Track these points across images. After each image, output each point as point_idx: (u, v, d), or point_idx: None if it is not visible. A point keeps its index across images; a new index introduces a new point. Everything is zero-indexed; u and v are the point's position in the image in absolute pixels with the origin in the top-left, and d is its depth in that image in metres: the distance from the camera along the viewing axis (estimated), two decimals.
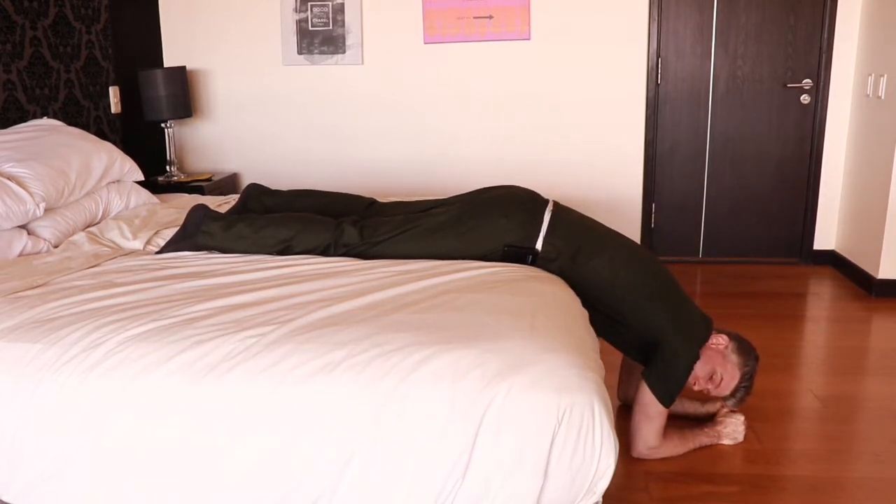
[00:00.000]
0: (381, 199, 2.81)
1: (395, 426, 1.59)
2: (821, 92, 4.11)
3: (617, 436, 1.61)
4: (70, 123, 3.53)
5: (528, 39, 4.17)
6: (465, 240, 2.29)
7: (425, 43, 4.23)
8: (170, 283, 2.10)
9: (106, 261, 2.40)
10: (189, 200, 3.31)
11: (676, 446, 2.31)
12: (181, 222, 2.61)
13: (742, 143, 4.24)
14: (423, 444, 1.58)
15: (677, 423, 2.41)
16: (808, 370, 2.94)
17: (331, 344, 1.68)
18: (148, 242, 2.63)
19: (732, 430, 2.39)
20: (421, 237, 2.32)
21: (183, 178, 4.14)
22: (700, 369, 2.25)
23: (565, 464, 1.56)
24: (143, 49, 4.26)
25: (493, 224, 2.29)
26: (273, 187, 3.19)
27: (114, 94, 3.92)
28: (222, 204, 3.09)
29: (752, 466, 2.27)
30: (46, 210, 2.69)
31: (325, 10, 4.24)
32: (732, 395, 2.32)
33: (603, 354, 1.97)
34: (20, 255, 2.53)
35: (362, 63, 4.30)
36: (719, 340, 2.28)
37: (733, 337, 2.32)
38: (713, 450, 2.36)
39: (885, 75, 3.70)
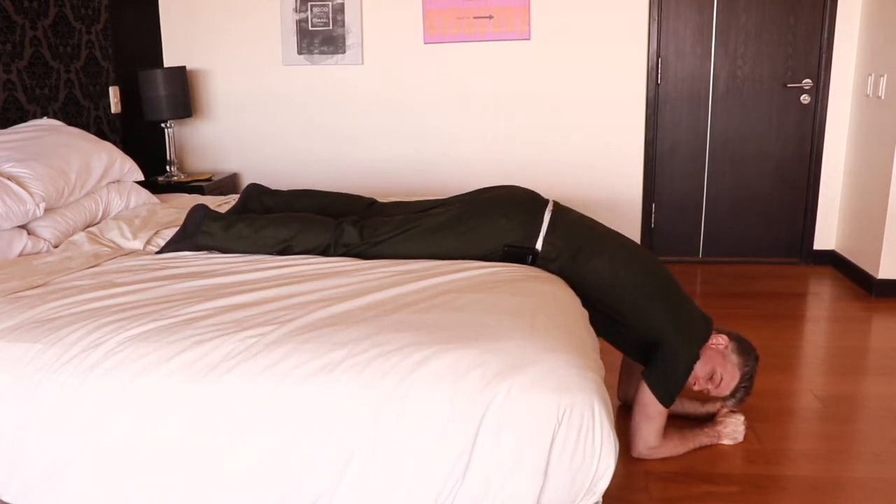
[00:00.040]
0: (381, 199, 2.81)
1: (395, 426, 1.59)
2: (821, 92, 4.11)
3: (617, 436, 1.61)
4: (70, 123, 3.53)
5: (528, 39, 4.17)
6: (465, 240, 2.29)
7: (425, 43, 4.23)
8: (170, 283, 2.10)
9: (106, 261, 2.40)
10: (189, 200, 3.31)
11: (676, 446, 2.31)
12: (181, 222, 2.61)
13: (742, 143, 4.24)
14: (423, 444, 1.58)
15: (677, 423, 2.41)
16: (808, 370, 2.94)
17: (331, 344, 1.68)
18: (148, 242, 2.63)
19: (732, 430, 2.39)
20: (421, 237, 2.32)
21: (183, 178, 4.14)
22: (700, 369, 2.25)
23: (565, 464, 1.56)
24: (143, 49, 4.26)
25: (493, 224, 2.29)
26: (273, 187, 3.19)
27: (114, 94, 3.92)
28: (222, 204, 3.09)
29: (752, 466, 2.27)
30: (46, 210, 2.69)
31: (325, 10, 4.24)
32: (732, 395, 2.32)
33: (603, 354, 1.97)
34: (20, 255, 2.53)
35: (362, 63, 4.30)
36: (719, 340, 2.28)
37: (733, 337, 2.32)
38: (713, 450, 2.36)
39: (885, 75, 3.70)
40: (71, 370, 1.70)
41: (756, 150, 4.24)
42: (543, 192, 4.11)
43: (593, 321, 2.17)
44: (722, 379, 2.26)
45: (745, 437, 2.40)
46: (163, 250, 2.48)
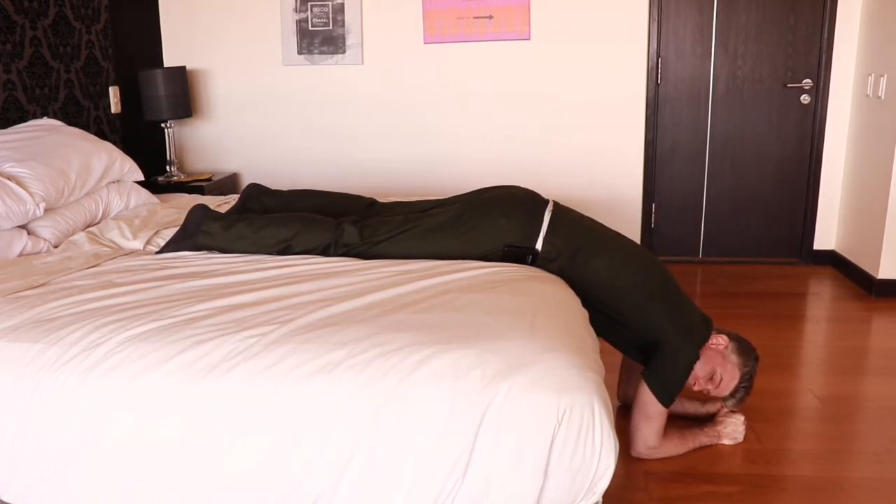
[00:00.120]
0: (381, 199, 2.81)
1: (395, 426, 1.59)
2: (821, 92, 4.11)
3: (617, 436, 1.61)
4: (70, 123, 3.53)
5: (528, 39, 4.17)
6: (465, 240, 2.29)
7: (425, 43, 4.23)
8: (170, 283, 2.10)
9: (106, 261, 2.40)
10: (189, 200, 3.31)
11: (676, 446, 2.31)
12: (181, 222, 2.61)
13: (742, 143, 4.24)
14: (423, 444, 1.58)
15: (677, 423, 2.41)
16: (808, 370, 2.94)
17: (331, 344, 1.68)
18: (148, 242, 2.63)
19: (732, 430, 2.39)
20: (421, 237, 2.32)
21: (183, 178, 4.14)
22: (700, 369, 2.25)
23: (565, 464, 1.56)
24: (143, 49, 4.26)
25: (493, 224, 2.29)
26: (273, 187, 3.19)
27: (114, 94, 3.92)
28: (222, 204, 3.09)
29: (752, 466, 2.27)
30: (46, 210, 2.69)
31: (325, 10, 4.24)
32: (732, 395, 2.32)
33: (603, 354, 1.97)
34: (20, 255, 2.53)
35: (362, 63, 4.30)
36: (719, 340, 2.28)
37: (733, 337, 2.32)
38: (713, 450, 2.36)
39: (885, 75, 3.70)
40: (71, 370, 1.70)
41: (756, 150, 4.24)
42: (543, 192, 4.11)
43: (593, 321, 2.17)
44: (722, 379, 2.26)
45: (745, 437, 2.40)
46: (163, 250, 2.48)
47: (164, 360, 1.69)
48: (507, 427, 1.56)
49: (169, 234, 2.66)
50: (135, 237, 2.67)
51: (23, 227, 2.64)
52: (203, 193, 3.96)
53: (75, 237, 2.70)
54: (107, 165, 3.05)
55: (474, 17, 4.16)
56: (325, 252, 2.37)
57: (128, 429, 1.66)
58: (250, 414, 1.62)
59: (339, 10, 4.23)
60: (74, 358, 1.72)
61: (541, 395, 1.56)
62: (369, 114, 4.37)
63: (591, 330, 2.05)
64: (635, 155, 4.28)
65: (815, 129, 4.17)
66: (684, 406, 2.54)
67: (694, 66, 4.17)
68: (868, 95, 3.88)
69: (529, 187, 2.74)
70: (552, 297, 2.00)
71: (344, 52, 4.27)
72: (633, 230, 4.35)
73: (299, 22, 4.28)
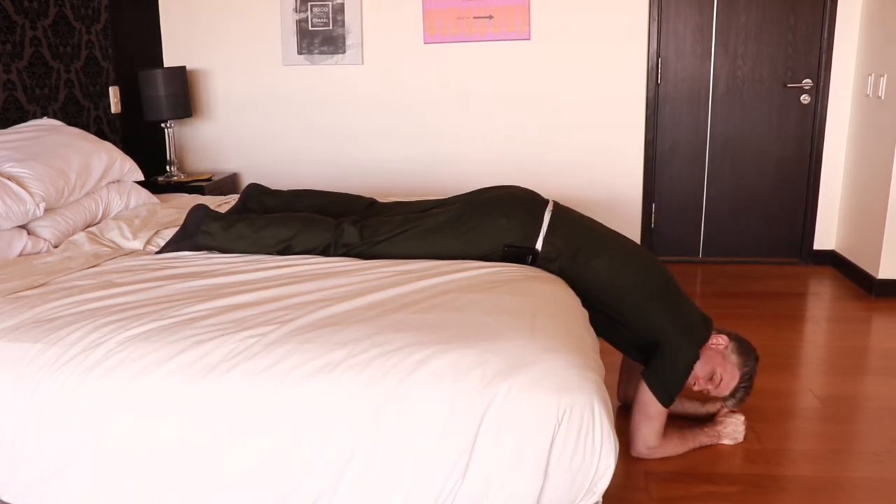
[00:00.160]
0: (381, 199, 2.81)
1: (395, 426, 1.59)
2: (821, 92, 4.11)
3: (617, 436, 1.61)
4: (70, 123, 3.54)
5: (528, 39, 4.17)
6: (465, 240, 2.29)
7: (425, 43, 4.23)
8: (170, 283, 2.10)
9: (106, 261, 2.40)
10: (189, 200, 3.31)
11: (676, 446, 2.31)
12: (181, 222, 2.61)
13: (742, 143, 4.24)
14: (423, 444, 1.58)
15: (677, 423, 2.41)
16: (808, 370, 2.94)
17: (331, 344, 1.68)
18: (148, 242, 2.64)
19: (732, 430, 2.39)
20: (421, 237, 2.32)
21: (183, 178, 4.14)
22: (700, 369, 2.25)
23: (565, 464, 1.56)
24: (143, 49, 4.26)
25: (493, 224, 2.29)
26: (273, 187, 3.19)
27: (114, 94, 3.92)
28: (222, 204, 3.09)
29: (752, 466, 2.27)
30: (46, 210, 2.69)
31: (325, 10, 4.24)
32: (732, 395, 2.32)
33: (603, 354, 1.97)
34: (20, 255, 2.53)
35: (362, 63, 4.30)
36: (719, 340, 2.28)
37: (733, 337, 2.32)
38: (713, 450, 2.36)
39: (885, 75, 3.70)
40: (71, 370, 1.70)
41: (756, 150, 4.24)
42: (543, 192, 4.11)
43: (593, 321, 2.17)
44: (722, 379, 2.26)
45: (745, 437, 2.40)
46: (163, 250, 2.48)
47: (164, 360, 1.69)
48: (507, 427, 1.56)
49: (169, 234, 2.66)
50: (135, 237, 2.67)
51: (23, 227, 2.64)
52: (203, 193, 3.96)
53: (75, 237, 2.70)
54: (107, 165, 3.05)
55: (474, 17, 4.16)
56: (325, 252, 2.37)
57: (128, 429, 1.66)
58: (250, 414, 1.62)
59: (339, 10, 4.23)
60: (74, 358, 1.72)
61: (541, 395, 1.56)
62: (369, 114, 4.37)
63: (591, 330, 2.05)
64: (635, 155, 4.28)
65: (815, 129, 4.17)
66: (684, 406, 2.54)
67: (694, 66, 4.17)
68: (868, 95, 3.88)
69: (529, 187, 2.74)
70: (552, 297, 2.00)
71: (344, 52, 4.28)
72: (633, 230, 4.35)
73: (299, 22, 4.28)
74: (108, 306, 1.93)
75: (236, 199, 2.94)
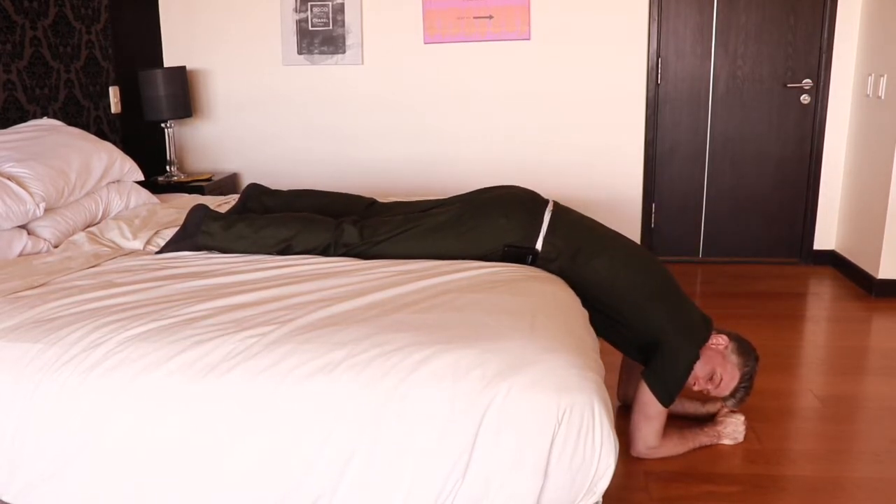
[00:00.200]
0: (381, 199, 2.81)
1: (395, 426, 1.59)
2: (821, 92, 4.11)
3: (617, 436, 1.61)
4: (70, 123, 3.54)
5: (528, 39, 4.17)
6: (465, 240, 2.29)
7: (425, 43, 4.23)
8: (170, 283, 2.10)
9: (106, 261, 2.40)
10: (189, 200, 3.31)
11: (676, 446, 2.31)
12: (181, 222, 2.61)
13: (742, 143, 4.24)
14: (423, 444, 1.58)
15: (677, 423, 2.41)
16: (808, 370, 2.94)
17: (331, 344, 1.68)
18: (148, 242, 2.64)
19: (732, 430, 2.39)
20: (421, 237, 2.32)
21: (183, 178, 4.14)
22: (700, 369, 2.25)
23: (565, 464, 1.56)
24: (143, 49, 4.26)
25: (493, 224, 2.29)
26: (273, 187, 3.19)
27: (114, 94, 3.92)
28: (222, 204, 3.09)
29: (752, 466, 2.27)
30: (46, 210, 2.69)
31: (325, 10, 4.24)
32: (732, 395, 2.32)
33: (603, 354, 1.97)
34: (20, 255, 2.53)
35: (362, 63, 4.30)
36: (719, 340, 2.28)
37: (733, 337, 2.32)
38: (713, 450, 2.36)
39: (885, 75, 3.70)
40: (71, 370, 1.70)
41: (756, 150, 4.24)
42: (543, 192, 4.11)
43: (593, 321, 2.17)
44: (722, 379, 2.26)
45: (745, 437, 2.40)
46: (163, 250, 2.48)
47: (164, 360, 1.69)
48: (507, 427, 1.56)
49: (169, 234, 2.66)
50: (135, 237, 2.67)
51: (23, 227, 2.64)
52: (203, 193, 3.96)
53: (75, 237, 2.70)
54: (107, 165, 3.05)
55: (474, 17, 4.16)
56: (325, 252, 2.37)
57: (128, 429, 1.66)
58: (250, 414, 1.62)
59: (339, 10, 4.23)
60: (74, 358, 1.72)
61: (541, 395, 1.56)
62: (369, 114, 4.37)
63: (591, 330, 2.05)
64: (635, 155, 4.28)
65: (815, 129, 4.17)
66: (684, 406, 2.54)
67: (694, 66, 4.17)
68: (868, 95, 3.88)
69: (529, 187, 2.74)
70: (552, 297, 2.00)
71: (344, 52, 4.28)
72: (633, 230, 4.35)
73: (299, 22, 4.28)
74: (108, 306, 1.93)
75: (236, 199, 2.94)
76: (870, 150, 3.87)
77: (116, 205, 3.07)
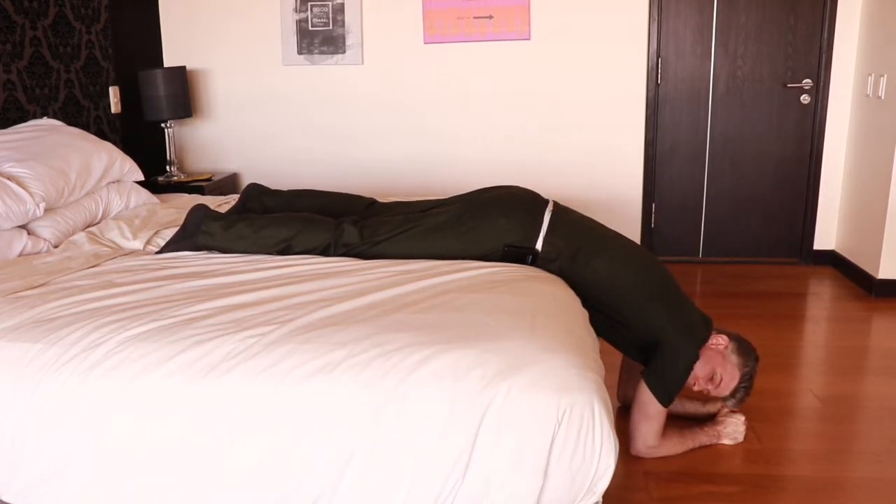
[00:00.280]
0: (381, 200, 2.81)
1: (395, 426, 1.59)
2: (821, 92, 4.11)
3: (617, 436, 1.61)
4: (70, 123, 3.54)
5: (528, 39, 4.17)
6: (465, 240, 2.29)
7: (425, 43, 4.23)
8: (170, 283, 2.10)
9: (106, 261, 2.40)
10: (189, 200, 3.31)
11: (676, 446, 2.31)
12: (181, 222, 2.61)
13: (742, 143, 4.24)
14: (423, 444, 1.58)
15: (677, 423, 2.41)
16: (808, 370, 2.94)
17: (331, 344, 1.68)
18: (148, 242, 2.64)
19: (732, 430, 2.39)
20: (421, 237, 2.32)
21: (183, 178, 4.14)
22: (700, 369, 2.25)
23: (565, 464, 1.56)
24: (143, 49, 4.26)
25: (493, 224, 2.29)
26: (273, 187, 3.19)
27: (114, 94, 3.92)
28: (222, 204, 3.09)
29: (752, 466, 2.27)
30: (46, 210, 2.69)
31: (325, 10, 4.24)
32: (732, 395, 2.32)
33: (603, 354, 1.97)
34: (20, 255, 2.53)
35: (362, 63, 4.30)
36: (719, 341, 2.28)
37: (733, 337, 2.32)
38: (713, 450, 2.36)
39: (885, 75, 3.70)
40: (71, 370, 1.70)
41: (756, 150, 4.24)
42: (543, 192, 4.11)
43: (593, 321, 2.17)
44: (722, 379, 2.26)
45: (745, 437, 2.40)
46: (163, 250, 2.48)
47: (164, 360, 1.69)
48: (507, 427, 1.56)
49: (169, 234, 2.66)
50: (135, 237, 2.67)
51: (23, 227, 2.64)
52: (203, 193, 3.96)
53: (75, 237, 2.70)
54: (107, 165, 3.05)
55: (474, 17, 4.16)
56: (325, 252, 2.37)
57: (128, 429, 1.66)
58: (250, 414, 1.62)
59: (339, 10, 4.23)
60: (74, 358, 1.72)
61: (541, 395, 1.56)
62: (369, 114, 4.37)
63: (591, 330, 2.05)
64: (635, 155, 4.28)
65: (815, 129, 4.17)
66: (684, 406, 2.54)
67: (694, 66, 4.17)
68: (868, 95, 3.88)
69: (529, 187, 2.74)
70: (552, 297, 2.00)
71: (344, 52, 4.28)
72: (633, 230, 4.35)
73: (299, 22, 4.28)
74: (108, 306, 1.93)
75: (236, 199, 2.94)
76: (870, 150, 3.87)
77: (116, 205, 3.07)
